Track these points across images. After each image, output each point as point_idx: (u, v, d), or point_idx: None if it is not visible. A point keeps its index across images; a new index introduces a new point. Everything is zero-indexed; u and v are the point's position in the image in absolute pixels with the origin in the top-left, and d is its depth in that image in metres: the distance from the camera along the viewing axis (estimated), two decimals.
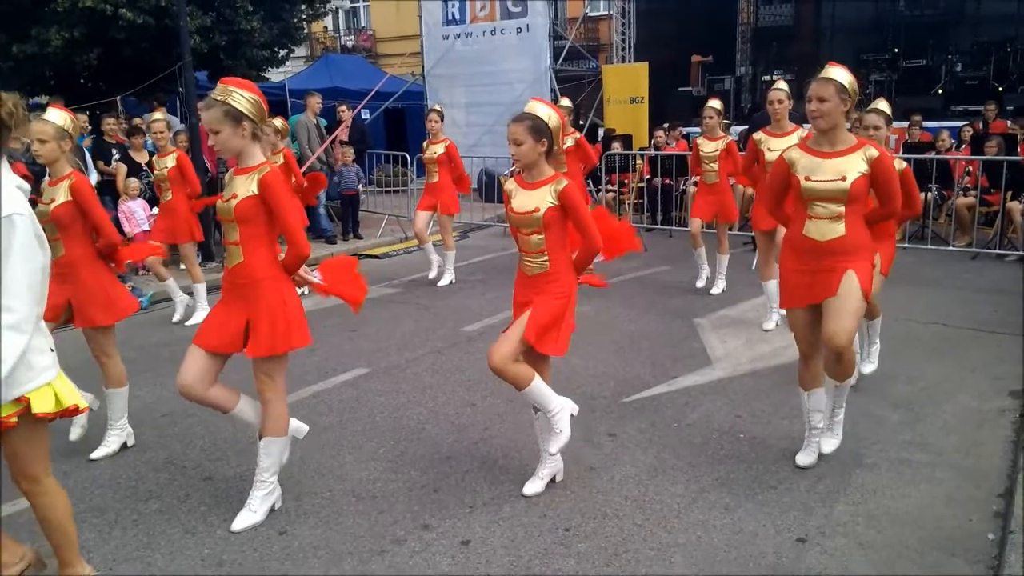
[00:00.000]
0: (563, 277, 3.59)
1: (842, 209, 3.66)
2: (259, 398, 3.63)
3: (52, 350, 2.80)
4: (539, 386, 3.64)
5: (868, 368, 5.12)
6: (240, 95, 3.36)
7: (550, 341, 3.61)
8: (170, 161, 7.16)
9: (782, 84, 6.43)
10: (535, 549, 3.38)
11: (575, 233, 3.60)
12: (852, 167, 3.64)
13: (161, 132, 7.28)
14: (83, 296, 4.22)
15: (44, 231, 4.27)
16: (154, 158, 7.46)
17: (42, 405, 2.68)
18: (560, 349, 3.65)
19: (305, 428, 3.94)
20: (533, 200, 3.53)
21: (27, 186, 2.77)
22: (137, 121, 11.06)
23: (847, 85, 3.63)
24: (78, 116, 4.78)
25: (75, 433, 4.47)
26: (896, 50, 18.30)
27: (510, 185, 3.67)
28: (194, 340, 3.57)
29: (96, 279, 4.26)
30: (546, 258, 3.56)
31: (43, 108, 4.36)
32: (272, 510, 3.70)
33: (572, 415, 3.76)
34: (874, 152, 3.65)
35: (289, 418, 3.72)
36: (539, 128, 3.46)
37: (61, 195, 4.17)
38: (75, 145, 4.37)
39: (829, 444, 4.08)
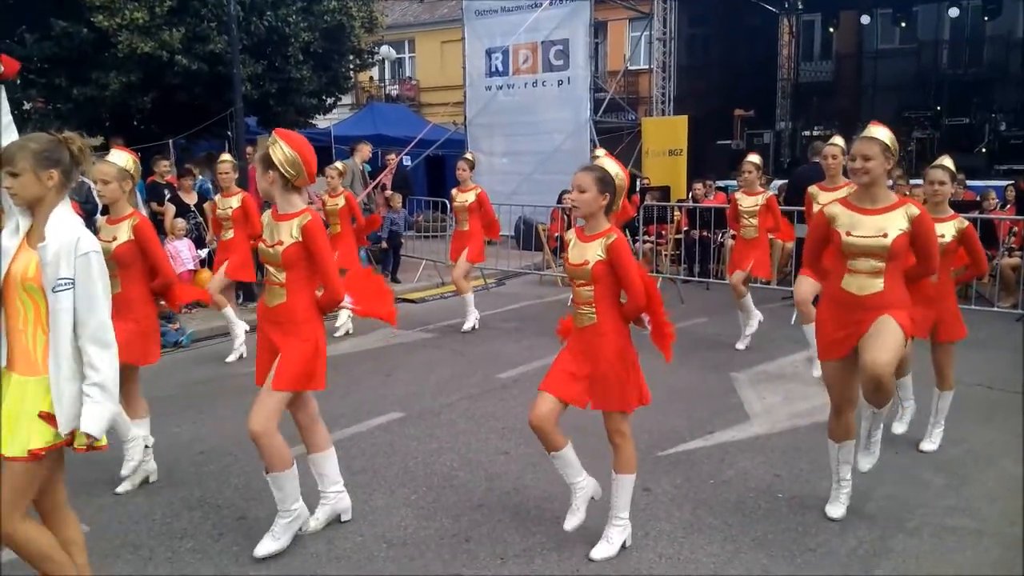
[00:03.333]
0: (611, 331, 3.58)
1: (882, 265, 3.66)
2: (254, 433, 3.65)
3: None
4: (569, 454, 3.70)
5: (929, 447, 5.00)
6: (281, 147, 3.56)
7: (616, 398, 3.62)
8: (235, 202, 7.33)
9: (838, 139, 6.45)
10: None
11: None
12: (894, 224, 3.64)
13: (227, 173, 7.46)
14: (132, 333, 4.33)
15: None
16: (217, 197, 7.63)
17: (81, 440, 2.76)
18: (632, 401, 3.66)
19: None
20: (585, 253, 3.57)
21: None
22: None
23: (889, 144, 3.67)
24: None
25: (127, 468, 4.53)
26: (939, 107, 18.24)
27: (570, 235, 3.72)
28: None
29: (147, 319, 4.42)
30: (594, 311, 3.57)
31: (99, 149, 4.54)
32: (300, 532, 3.80)
33: (593, 498, 3.80)
34: (915, 211, 3.66)
35: (288, 450, 3.76)
36: (606, 181, 3.52)
37: (123, 234, 4.32)
38: (135, 185, 4.53)
39: (866, 462, 3.95)
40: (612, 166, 3.61)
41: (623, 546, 3.74)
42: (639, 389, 3.64)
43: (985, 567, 3.60)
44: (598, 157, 3.79)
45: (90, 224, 9.08)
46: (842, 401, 3.91)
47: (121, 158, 4.39)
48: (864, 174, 3.66)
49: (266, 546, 3.68)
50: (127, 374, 4.41)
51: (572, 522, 3.74)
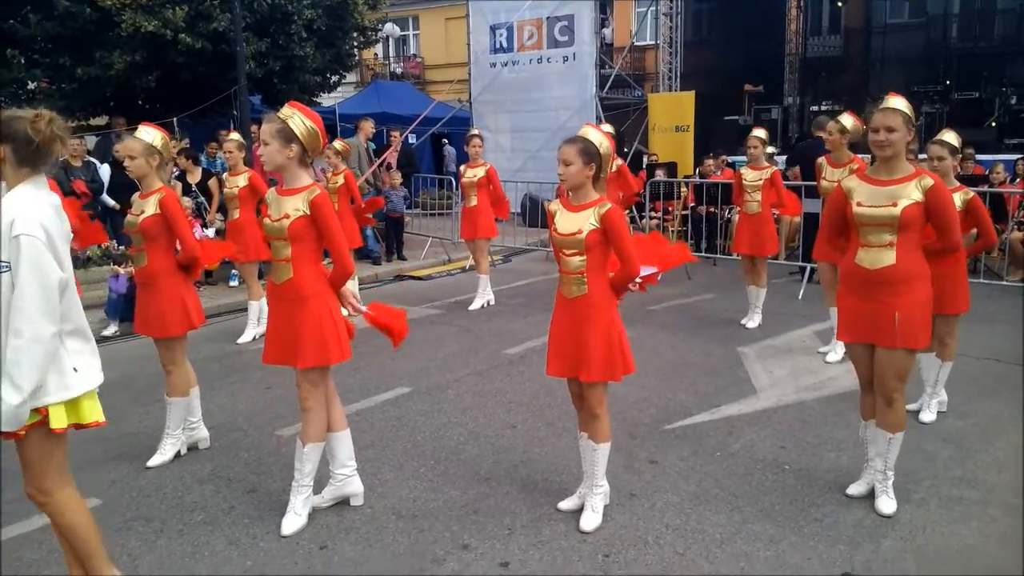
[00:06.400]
0: (602, 301, 3.59)
1: (893, 237, 3.62)
2: (301, 406, 3.71)
3: (89, 367, 2.84)
4: (607, 452, 3.76)
5: (928, 417, 5.02)
6: (300, 120, 3.54)
7: (616, 366, 3.61)
8: (241, 180, 7.27)
9: (844, 118, 6.41)
10: (574, 574, 3.36)
11: (615, 257, 3.61)
12: (905, 195, 3.60)
13: (233, 152, 7.39)
14: (161, 306, 4.42)
15: (132, 241, 4.47)
16: (224, 176, 7.59)
17: (59, 420, 2.72)
18: (620, 371, 3.64)
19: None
20: (576, 222, 3.55)
21: (57, 200, 2.78)
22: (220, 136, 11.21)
23: (910, 114, 3.66)
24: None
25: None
26: (948, 82, 18.06)
27: (555, 206, 3.70)
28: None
29: (175, 290, 4.46)
30: (585, 280, 3.57)
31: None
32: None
33: (605, 504, 3.87)
34: (929, 181, 3.61)
35: (325, 426, 3.81)
36: (589, 152, 3.50)
37: (150, 208, 4.39)
38: (164, 161, 4.56)
39: (886, 505, 3.84)
40: (595, 135, 3.58)
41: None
42: (624, 358, 3.63)
43: (992, 537, 3.61)
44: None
45: (94, 204, 9.09)
46: (868, 381, 3.90)
47: (148, 134, 4.45)
48: (888, 146, 3.61)
49: (291, 523, 3.72)
50: (162, 347, 4.48)
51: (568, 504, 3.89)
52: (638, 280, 3.63)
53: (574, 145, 3.51)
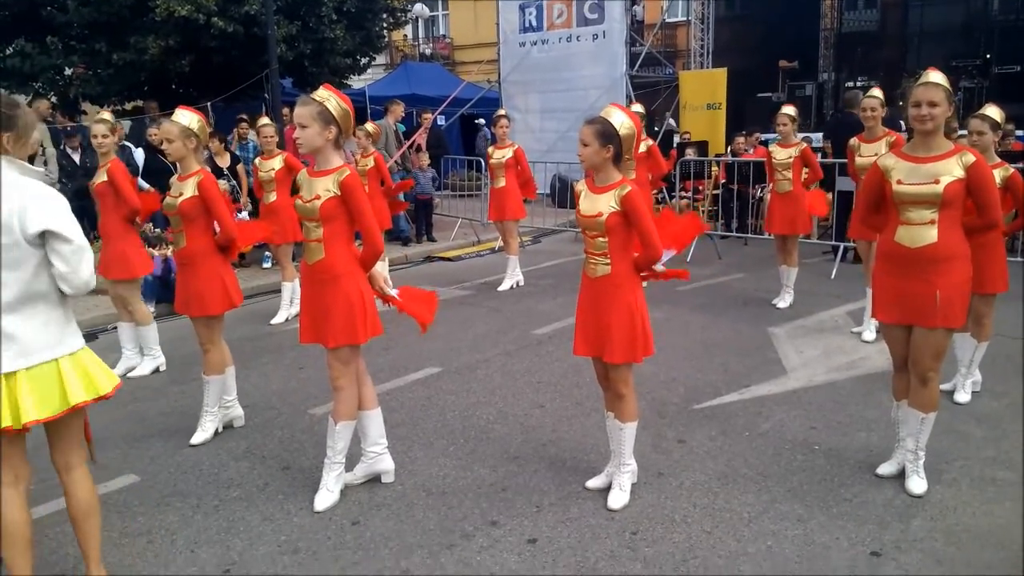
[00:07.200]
0: (626, 282, 3.59)
1: (935, 215, 3.57)
2: (332, 385, 3.78)
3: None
4: (634, 431, 3.78)
5: (963, 398, 4.97)
6: (336, 102, 3.60)
7: (638, 347, 3.61)
8: (277, 163, 7.34)
9: (876, 91, 6.31)
10: (601, 551, 3.39)
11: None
12: (947, 171, 3.55)
13: (270, 136, 7.48)
14: (200, 285, 4.51)
15: (171, 223, 4.56)
16: (257, 160, 7.66)
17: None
18: (642, 352, 3.64)
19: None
20: (598, 204, 3.55)
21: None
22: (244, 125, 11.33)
23: (950, 88, 3.62)
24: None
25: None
26: (988, 56, 17.62)
27: (580, 187, 3.70)
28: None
29: (213, 270, 4.55)
30: (608, 261, 3.57)
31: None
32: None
33: (632, 483, 3.89)
34: (971, 158, 3.56)
35: (356, 404, 3.88)
36: (607, 133, 3.48)
37: (189, 190, 4.49)
38: (201, 144, 4.63)
39: (917, 485, 3.83)
40: (618, 116, 3.54)
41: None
42: (646, 339, 3.63)
43: None
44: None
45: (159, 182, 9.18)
46: (901, 361, 3.87)
47: (185, 117, 4.52)
48: (930, 120, 3.55)
49: (324, 499, 3.80)
50: (200, 325, 4.59)
51: (596, 483, 3.93)
52: (662, 264, 3.62)
53: (592, 126, 3.50)
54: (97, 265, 3.10)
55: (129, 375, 5.80)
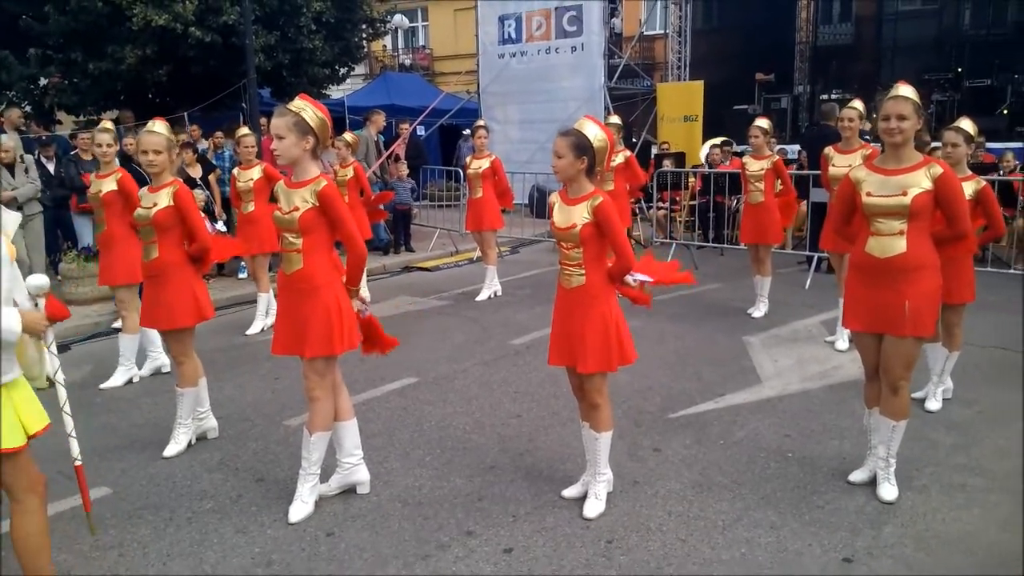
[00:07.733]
0: (600, 292, 3.62)
1: (904, 226, 3.63)
2: (308, 396, 3.77)
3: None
4: (608, 441, 3.79)
5: (933, 406, 5.04)
6: (313, 112, 3.59)
7: (612, 356, 3.62)
8: (256, 173, 7.32)
9: (857, 103, 6.40)
10: (577, 560, 3.40)
11: None
12: (915, 183, 3.61)
13: (250, 147, 7.44)
14: (170, 298, 4.48)
15: (142, 234, 4.54)
16: (236, 170, 7.60)
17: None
18: (617, 361, 3.65)
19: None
20: (572, 216, 3.57)
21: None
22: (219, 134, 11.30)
23: (920, 102, 3.69)
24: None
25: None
26: (960, 69, 17.93)
27: (554, 198, 3.73)
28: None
29: (185, 282, 4.53)
30: (583, 272, 3.60)
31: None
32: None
33: (608, 492, 3.91)
34: (938, 170, 3.62)
35: (332, 415, 3.88)
36: (581, 145, 3.51)
37: (163, 200, 4.47)
38: (174, 156, 4.65)
39: (888, 492, 3.87)
40: (591, 128, 3.57)
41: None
42: (621, 348, 3.64)
43: (993, 523, 3.63)
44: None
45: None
46: (872, 370, 3.93)
47: (163, 127, 4.52)
48: (898, 133, 3.62)
49: (298, 511, 3.78)
50: (171, 338, 4.56)
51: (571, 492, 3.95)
52: (637, 279, 3.65)
53: (566, 138, 3.52)
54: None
55: (101, 386, 5.74)
